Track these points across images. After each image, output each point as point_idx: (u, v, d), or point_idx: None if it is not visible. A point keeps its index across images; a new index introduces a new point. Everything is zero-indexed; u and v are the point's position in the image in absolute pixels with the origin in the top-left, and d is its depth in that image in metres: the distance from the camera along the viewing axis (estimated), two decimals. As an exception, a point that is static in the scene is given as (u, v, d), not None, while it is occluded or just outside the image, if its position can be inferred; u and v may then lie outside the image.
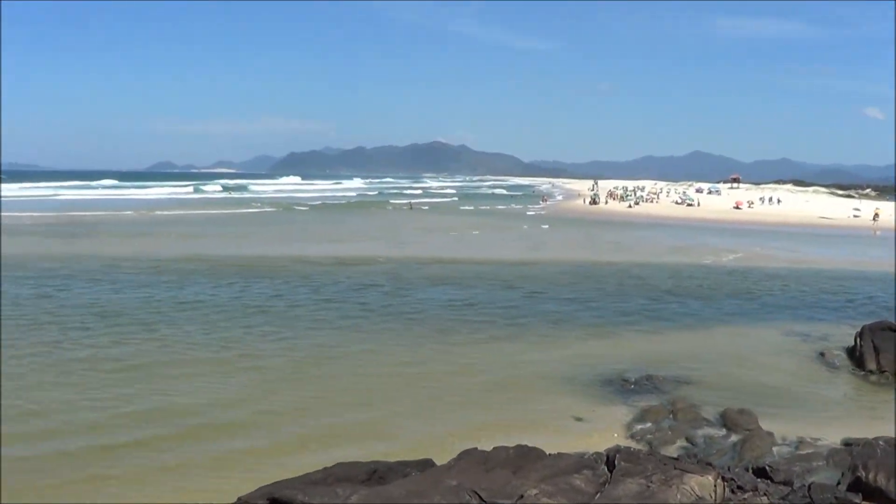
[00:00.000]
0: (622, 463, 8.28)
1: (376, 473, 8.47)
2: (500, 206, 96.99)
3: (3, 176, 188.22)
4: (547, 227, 62.78)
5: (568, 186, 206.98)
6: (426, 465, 8.85)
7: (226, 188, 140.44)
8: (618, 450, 8.83)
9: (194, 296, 25.53)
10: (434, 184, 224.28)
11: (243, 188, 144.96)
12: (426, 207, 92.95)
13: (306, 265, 33.32)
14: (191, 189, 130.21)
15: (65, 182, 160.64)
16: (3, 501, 10.31)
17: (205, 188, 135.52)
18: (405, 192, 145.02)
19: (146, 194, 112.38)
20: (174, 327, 20.78)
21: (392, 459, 9.13)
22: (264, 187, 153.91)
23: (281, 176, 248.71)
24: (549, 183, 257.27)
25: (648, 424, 13.82)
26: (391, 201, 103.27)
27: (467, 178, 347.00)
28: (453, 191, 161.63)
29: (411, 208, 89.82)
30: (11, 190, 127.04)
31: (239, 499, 8.05)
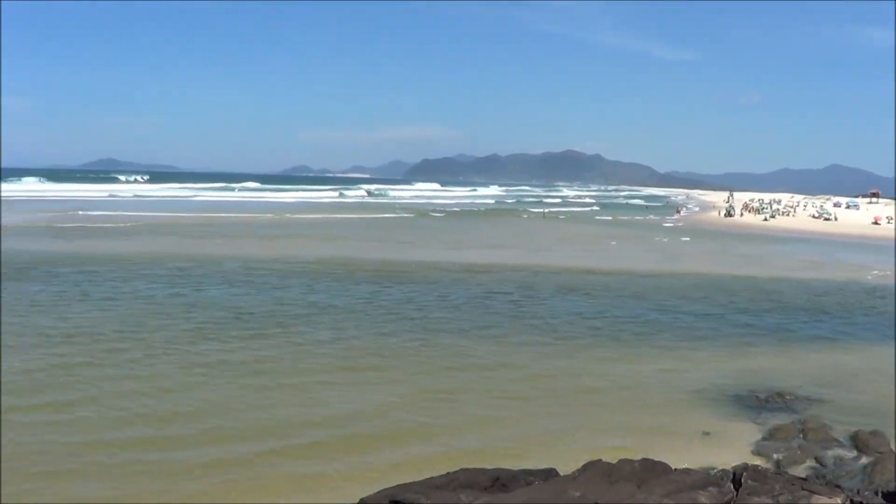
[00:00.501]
0: (749, 481, 8.15)
1: (499, 481, 8.49)
2: (637, 217, 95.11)
3: (146, 176, 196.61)
4: (687, 239, 61.31)
5: (703, 198, 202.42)
6: (549, 474, 8.85)
7: (371, 193, 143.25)
8: (745, 467, 8.71)
9: (328, 299, 26.08)
10: (570, 192, 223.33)
11: (384, 193, 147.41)
12: (562, 217, 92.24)
13: (437, 271, 33.62)
14: (336, 193, 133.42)
15: (206, 184, 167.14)
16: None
17: (348, 192, 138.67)
18: (543, 200, 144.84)
19: (286, 197, 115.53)
20: (306, 329, 21.27)
21: (515, 467, 9.12)
22: (402, 193, 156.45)
23: (414, 181, 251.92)
24: (684, 194, 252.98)
25: (777, 443, 13.45)
26: (529, 209, 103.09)
27: (602, 188, 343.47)
28: (592, 200, 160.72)
29: (545, 217, 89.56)
30: (153, 190, 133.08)
31: (362, 500, 8.17)
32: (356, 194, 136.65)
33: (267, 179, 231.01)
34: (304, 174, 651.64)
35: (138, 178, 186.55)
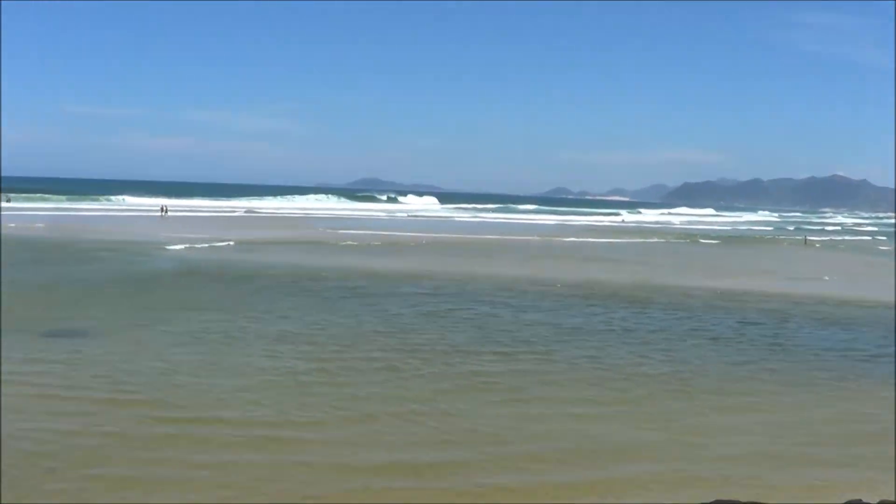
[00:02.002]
0: None
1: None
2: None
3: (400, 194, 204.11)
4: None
5: None
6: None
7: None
8: None
9: (579, 322, 25.54)
10: (848, 220, 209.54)
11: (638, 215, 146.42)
12: (842, 246, 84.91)
13: (688, 298, 32.15)
14: (620, 218, 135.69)
15: (486, 204, 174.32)
16: None
17: (606, 217, 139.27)
18: (825, 227, 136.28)
19: (554, 220, 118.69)
20: (556, 348, 20.92)
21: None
22: (673, 217, 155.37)
23: (677, 205, 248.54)
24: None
25: None
26: (809, 238, 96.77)
27: (873, 215, 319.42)
28: (874, 228, 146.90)
29: (806, 243, 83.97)
30: (412, 204, 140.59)
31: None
32: (616, 219, 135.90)
33: (527, 201, 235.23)
34: (563, 196, 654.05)
35: (397, 196, 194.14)
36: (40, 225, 61.96)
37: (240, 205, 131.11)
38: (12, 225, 57.99)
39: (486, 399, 15.95)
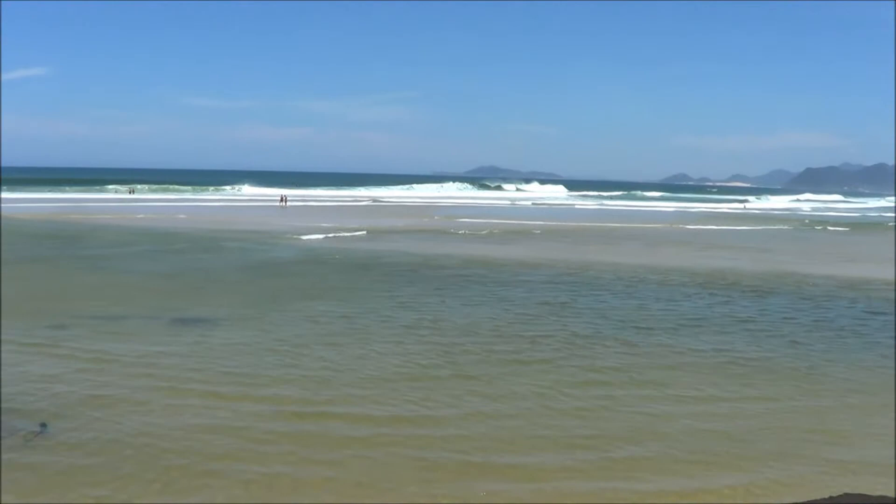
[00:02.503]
0: None
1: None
2: None
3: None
4: None
5: None
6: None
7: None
8: None
9: (700, 310, 25.14)
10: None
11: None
12: None
13: (814, 287, 31.00)
14: (744, 205, 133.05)
15: (611, 192, 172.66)
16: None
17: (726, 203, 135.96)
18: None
19: (677, 207, 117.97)
20: (685, 339, 20.48)
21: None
22: (802, 204, 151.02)
23: (800, 191, 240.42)
24: None
25: None
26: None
27: None
28: None
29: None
30: (536, 192, 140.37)
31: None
32: (741, 206, 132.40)
33: (650, 188, 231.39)
34: (683, 183, 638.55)
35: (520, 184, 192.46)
36: (182, 216, 64.59)
37: (364, 194, 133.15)
38: (141, 216, 60.53)
39: (612, 393, 15.62)
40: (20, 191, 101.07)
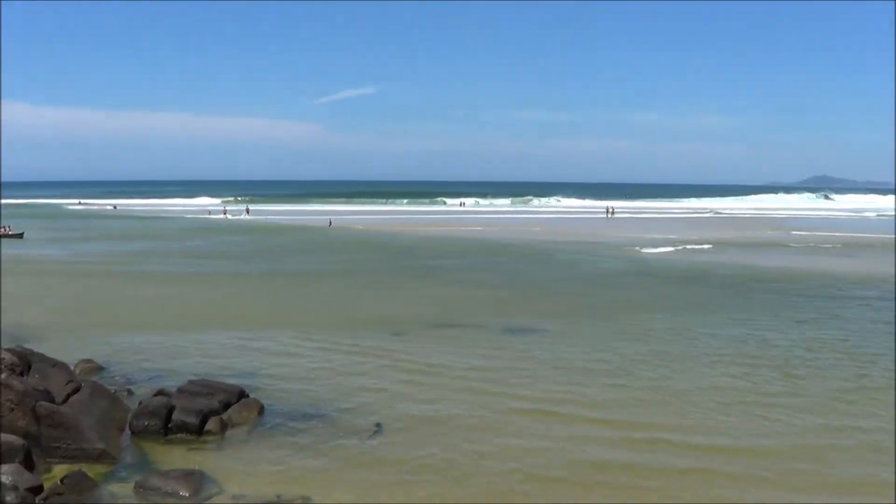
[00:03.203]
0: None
1: None
2: None
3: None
4: None
5: None
6: None
7: None
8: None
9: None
10: None
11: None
12: None
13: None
14: None
15: None
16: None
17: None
18: None
19: None
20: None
21: None
22: None
23: None
24: None
25: None
26: None
27: None
28: None
29: None
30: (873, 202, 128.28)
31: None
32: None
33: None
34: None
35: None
36: (537, 228, 66.30)
37: (703, 205, 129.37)
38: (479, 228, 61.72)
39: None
40: (351, 203, 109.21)
